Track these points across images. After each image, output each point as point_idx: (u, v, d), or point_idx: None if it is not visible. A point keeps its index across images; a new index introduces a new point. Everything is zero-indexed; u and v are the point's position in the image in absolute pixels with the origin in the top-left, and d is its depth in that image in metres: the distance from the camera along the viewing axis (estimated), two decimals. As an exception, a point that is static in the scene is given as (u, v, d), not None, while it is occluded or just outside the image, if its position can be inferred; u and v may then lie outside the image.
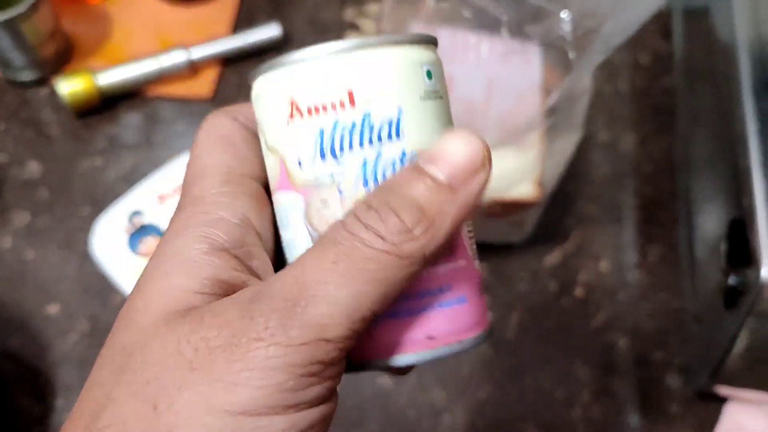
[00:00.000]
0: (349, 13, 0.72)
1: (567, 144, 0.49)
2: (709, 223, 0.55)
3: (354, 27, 0.69)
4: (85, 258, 0.61)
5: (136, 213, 0.57)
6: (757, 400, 0.55)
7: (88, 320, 0.59)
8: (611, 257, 0.63)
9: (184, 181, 0.27)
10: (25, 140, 0.67)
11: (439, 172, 0.22)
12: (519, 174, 0.51)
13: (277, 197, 0.26)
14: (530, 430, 0.56)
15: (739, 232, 0.48)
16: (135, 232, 0.56)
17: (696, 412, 0.57)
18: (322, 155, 0.23)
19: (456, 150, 0.23)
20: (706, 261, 0.55)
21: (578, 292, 0.62)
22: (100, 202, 0.64)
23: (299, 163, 0.24)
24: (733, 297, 0.47)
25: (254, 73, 0.25)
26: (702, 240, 0.57)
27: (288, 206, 0.25)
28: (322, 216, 0.24)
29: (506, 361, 0.59)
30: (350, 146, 0.23)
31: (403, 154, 0.23)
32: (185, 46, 0.69)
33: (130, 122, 0.68)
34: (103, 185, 0.65)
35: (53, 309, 0.59)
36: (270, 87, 0.24)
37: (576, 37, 0.42)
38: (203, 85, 0.70)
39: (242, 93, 0.70)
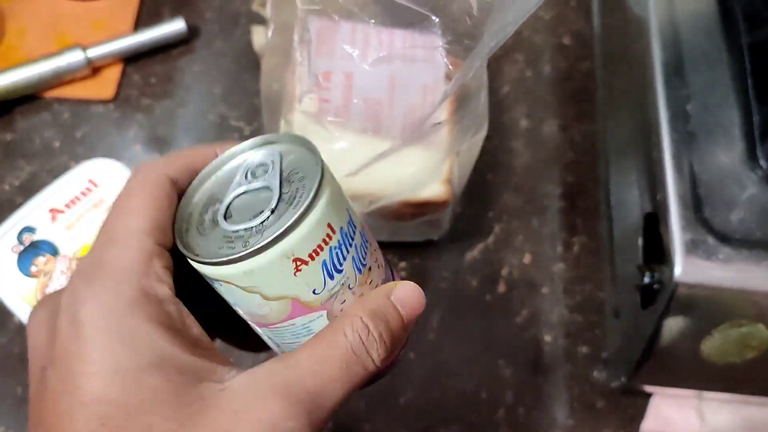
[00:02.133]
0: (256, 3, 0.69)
1: (473, 142, 0.47)
2: (627, 215, 0.54)
3: (261, 19, 0.66)
4: (-21, 277, 0.57)
5: (28, 229, 0.53)
6: (680, 395, 0.54)
7: (-15, 344, 0.55)
8: (534, 250, 0.62)
9: (106, 231, 0.29)
10: None
11: (405, 315, 0.31)
12: (427, 174, 0.48)
13: (288, 323, 0.30)
14: (454, 434, 0.55)
15: (653, 226, 0.46)
16: (25, 251, 0.52)
17: (623, 406, 0.56)
18: (331, 276, 0.29)
19: (417, 301, 0.33)
20: (624, 255, 0.54)
21: (501, 287, 0.60)
22: (-7, 217, 0.60)
23: (314, 292, 0.29)
24: (648, 295, 0.45)
25: (247, 253, 0.27)
26: (620, 232, 0.56)
27: (308, 322, 0.30)
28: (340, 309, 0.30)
29: (427, 363, 0.57)
30: (344, 257, 0.29)
31: (360, 235, 0.31)
32: (83, 44, 0.64)
33: (27, 128, 0.64)
34: (-3, 197, 0.61)
35: (-55, 334, 0.55)
36: (267, 257, 0.27)
37: (473, 22, 0.40)
38: (104, 85, 0.66)
39: (146, 92, 0.66)
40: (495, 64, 0.71)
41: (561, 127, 0.68)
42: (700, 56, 0.50)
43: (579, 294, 0.60)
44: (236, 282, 0.28)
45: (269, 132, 0.50)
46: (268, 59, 0.48)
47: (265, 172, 0.30)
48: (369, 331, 0.29)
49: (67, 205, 0.54)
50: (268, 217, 0.28)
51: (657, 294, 0.45)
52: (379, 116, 0.49)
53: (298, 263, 0.28)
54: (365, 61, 0.49)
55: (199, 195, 0.30)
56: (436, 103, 0.42)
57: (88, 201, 0.54)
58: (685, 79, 0.49)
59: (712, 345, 0.46)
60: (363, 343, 0.29)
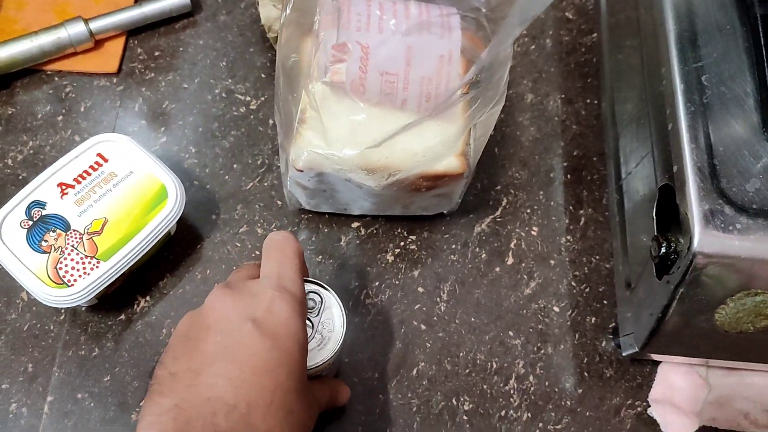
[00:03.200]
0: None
1: (490, 114, 0.47)
2: (639, 187, 0.54)
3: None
4: (-14, 253, 0.57)
5: (36, 204, 0.53)
6: (688, 362, 0.55)
7: (-6, 320, 0.55)
8: (541, 223, 0.62)
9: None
10: None
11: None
12: (443, 147, 0.48)
13: None
14: (466, 404, 0.55)
15: (669, 198, 0.47)
16: (34, 226, 0.52)
17: (631, 375, 0.57)
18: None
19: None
20: (636, 226, 0.55)
21: (509, 260, 0.61)
22: (1, 191, 0.59)
23: None
24: (664, 266, 0.46)
25: None
26: (632, 204, 0.56)
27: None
28: None
29: (439, 335, 0.57)
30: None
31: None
32: (84, 17, 0.63)
33: (28, 102, 0.63)
34: (1, 172, 0.60)
35: (-46, 310, 0.55)
36: None
37: (490, 7, 0.40)
38: (107, 58, 0.65)
39: (150, 66, 0.65)
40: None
41: (566, 101, 0.68)
42: (713, 28, 0.50)
43: (586, 266, 0.61)
44: None
45: (282, 103, 0.50)
46: (286, 31, 0.48)
47: (312, 308, 0.47)
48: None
49: (76, 180, 0.54)
50: None
51: (673, 264, 0.46)
52: (395, 88, 0.49)
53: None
54: (382, 32, 0.49)
55: None
56: (471, 72, 0.42)
57: (97, 175, 0.54)
58: (699, 51, 0.49)
59: (726, 314, 0.47)
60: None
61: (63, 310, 0.55)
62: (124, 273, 0.52)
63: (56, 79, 0.64)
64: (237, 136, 0.63)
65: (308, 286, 0.48)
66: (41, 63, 0.64)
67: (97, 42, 0.64)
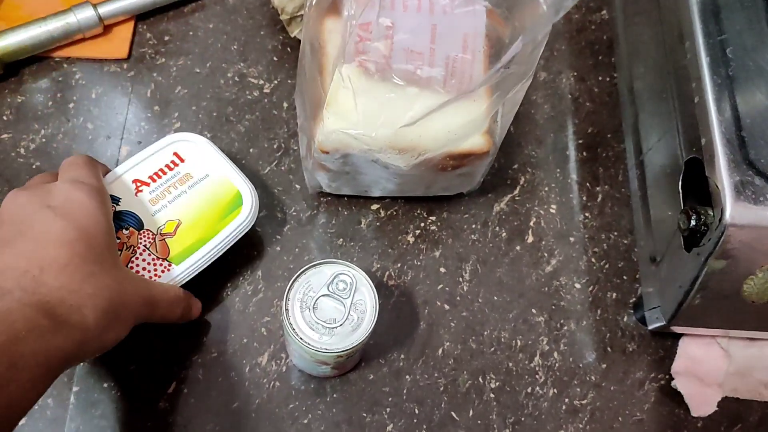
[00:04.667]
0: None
1: (518, 92, 0.47)
2: (662, 161, 0.54)
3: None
4: (3, 244, 0.56)
5: (112, 199, 0.51)
6: (710, 335, 0.56)
7: (14, 311, 0.54)
8: (559, 200, 0.63)
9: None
10: None
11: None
12: (472, 125, 0.48)
13: (305, 358, 0.50)
14: (492, 382, 0.56)
15: (697, 171, 0.47)
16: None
17: (653, 348, 0.58)
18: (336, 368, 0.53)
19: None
20: (660, 201, 0.55)
21: (529, 238, 0.61)
22: (14, 181, 0.58)
23: (333, 367, 0.52)
24: (693, 239, 0.46)
25: (317, 349, 0.47)
26: (654, 179, 0.56)
27: (315, 362, 0.50)
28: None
29: (462, 314, 0.58)
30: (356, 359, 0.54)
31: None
32: (91, 1, 0.62)
33: (38, 89, 0.62)
34: (15, 161, 0.59)
35: (-27, 302, 0.54)
36: (326, 354, 0.47)
37: None
38: (117, 43, 0.64)
39: (160, 51, 0.64)
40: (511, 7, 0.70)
41: (578, 79, 0.68)
42: (734, 0, 0.50)
43: (605, 242, 0.61)
44: (301, 346, 0.46)
45: (307, 85, 0.49)
46: (312, 13, 0.47)
47: (344, 289, 0.47)
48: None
49: (152, 178, 0.52)
50: (337, 326, 0.46)
51: (703, 236, 0.46)
52: (420, 66, 0.49)
53: (338, 359, 0.47)
54: (406, 10, 0.48)
55: (307, 275, 0.47)
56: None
57: (173, 175, 0.53)
58: (722, 24, 0.49)
59: (755, 285, 0.47)
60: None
61: (85, 300, 0.55)
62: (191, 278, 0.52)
63: (65, 65, 0.63)
64: (252, 120, 0.63)
65: (338, 268, 0.47)
66: (49, 50, 0.62)
67: (105, 27, 0.63)
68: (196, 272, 0.51)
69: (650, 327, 0.55)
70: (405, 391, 0.55)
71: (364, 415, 0.54)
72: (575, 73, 0.68)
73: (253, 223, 0.53)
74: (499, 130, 0.50)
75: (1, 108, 0.60)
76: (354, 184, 0.56)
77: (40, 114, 0.61)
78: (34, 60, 0.62)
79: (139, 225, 0.51)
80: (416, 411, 0.54)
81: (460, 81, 0.48)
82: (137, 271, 0.50)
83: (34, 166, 0.59)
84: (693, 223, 0.46)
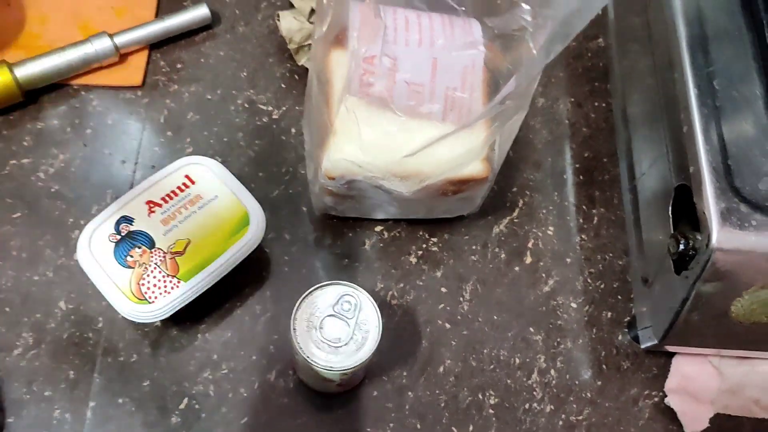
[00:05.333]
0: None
1: (515, 122, 0.50)
2: (654, 186, 0.57)
3: (289, 4, 0.67)
4: (23, 265, 0.58)
5: (125, 219, 0.54)
6: (702, 353, 0.58)
7: (32, 331, 0.56)
8: (557, 222, 0.65)
9: None
10: (-58, 142, 0.62)
11: None
12: (469, 155, 0.51)
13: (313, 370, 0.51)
14: (492, 398, 0.58)
15: (685, 197, 0.49)
16: (122, 241, 0.53)
17: (647, 366, 0.60)
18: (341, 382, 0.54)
19: None
20: (652, 224, 0.57)
21: (528, 258, 0.63)
22: (34, 204, 0.61)
23: (333, 380, 0.52)
24: (682, 262, 0.49)
25: (323, 366, 0.49)
26: (647, 203, 0.59)
27: (324, 373, 0.51)
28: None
29: (462, 332, 0.60)
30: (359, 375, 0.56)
31: None
32: (108, 32, 0.65)
33: (56, 116, 0.64)
34: (34, 185, 0.61)
35: (-6, 321, 0.56)
36: (331, 372, 0.49)
37: (536, 25, 0.42)
38: (132, 71, 0.66)
39: (173, 78, 0.67)
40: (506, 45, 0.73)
41: (575, 105, 0.70)
42: (722, 33, 0.53)
43: (600, 263, 0.63)
44: (309, 364, 0.48)
45: (315, 114, 0.52)
46: (320, 46, 0.50)
47: (348, 309, 0.49)
48: None
49: (164, 199, 0.55)
50: (342, 345, 0.48)
51: (691, 260, 0.48)
52: (420, 98, 0.51)
53: (342, 376, 0.50)
54: (408, 45, 0.51)
55: (313, 296, 0.49)
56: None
57: (184, 196, 0.55)
58: (710, 56, 0.52)
59: (742, 306, 0.49)
60: None
61: (100, 318, 0.57)
62: (199, 295, 0.54)
63: (82, 93, 0.66)
64: (261, 145, 0.65)
65: (342, 289, 0.50)
66: (67, 78, 0.65)
67: (121, 56, 0.66)
68: (204, 289, 0.54)
69: (643, 346, 0.57)
70: (407, 407, 0.57)
71: (369, 430, 0.56)
72: (572, 99, 0.71)
73: (259, 242, 0.55)
74: (497, 157, 0.53)
75: (21, 134, 0.63)
76: (359, 207, 0.58)
77: (59, 139, 0.63)
78: (53, 87, 0.65)
79: (151, 244, 0.54)
80: (418, 426, 0.56)
81: (459, 114, 0.50)
82: (148, 288, 0.52)
83: (52, 190, 0.61)
84: (682, 247, 0.48)
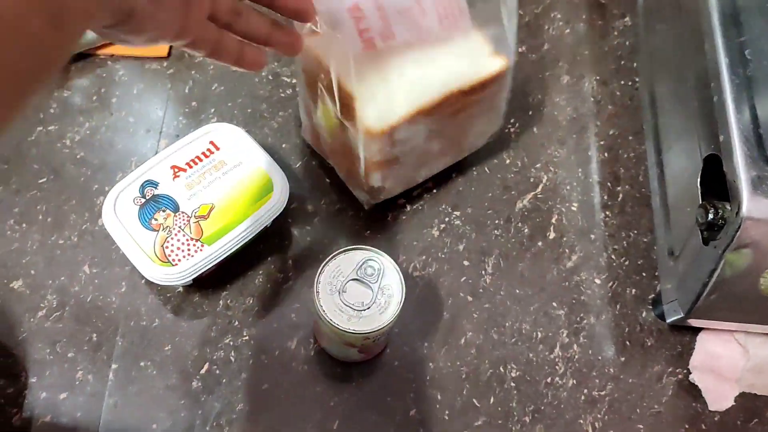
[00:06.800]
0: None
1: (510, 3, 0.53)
2: (681, 159, 0.56)
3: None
4: (48, 229, 0.59)
5: (150, 183, 0.54)
6: (728, 329, 0.57)
7: (56, 293, 0.57)
8: (581, 199, 0.64)
9: None
10: (-30, 109, 0.63)
11: None
12: (475, 55, 0.53)
13: (336, 339, 0.53)
14: (513, 371, 0.57)
15: (715, 167, 0.49)
16: (146, 204, 0.53)
17: (671, 343, 0.59)
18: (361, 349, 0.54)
19: None
20: (679, 197, 0.56)
21: (551, 234, 0.63)
22: (59, 170, 0.61)
23: (353, 345, 0.52)
24: (711, 232, 0.48)
25: (344, 330, 0.48)
26: (674, 177, 0.58)
27: (344, 346, 0.53)
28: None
29: (485, 305, 0.59)
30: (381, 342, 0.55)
31: None
32: (135, 2, 0.65)
33: (82, 85, 0.65)
34: (60, 152, 0.62)
35: (17, 284, 0.57)
36: (353, 336, 0.49)
37: None
38: (157, 42, 0.67)
39: (198, 49, 0.67)
40: (534, 22, 0.72)
41: (600, 83, 0.70)
42: (753, 4, 0.52)
43: (625, 239, 0.63)
44: (330, 327, 0.48)
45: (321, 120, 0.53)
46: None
47: (371, 274, 0.49)
48: None
49: (188, 164, 0.55)
50: (365, 309, 0.48)
51: (720, 230, 0.48)
52: (416, 20, 0.51)
53: (365, 341, 0.50)
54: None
55: (337, 261, 0.49)
56: None
57: (208, 162, 0.56)
58: (741, 27, 0.51)
59: (770, 278, 0.49)
60: None
61: (123, 283, 0.57)
62: (222, 260, 0.54)
63: (109, 63, 0.66)
64: (285, 117, 0.65)
65: (366, 254, 0.50)
66: (94, 48, 0.66)
67: (147, 27, 0.66)
68: (228, 253, 0.54)
69: (668, 320, 0.56)
70: (428, 378, 0.57)
71: (389, 399, 0.56)
72: (598, 77, 0.70)
73: (283, 208, 0.55)
74: (508, 45, 0.54)
75: (48, 101, 0.64)
76: (404, 173, 0.58)
77: (85, 108, 0.64)
78: (80, 57, 0.66)
79: (175, 208, 0.54)
80: (439, 397, 0.56)
81: (453, 19, 0.51)
82: (172, 251, 0.52)
83: (78, 157, 0.62)
84: (711, 216, 0.48)
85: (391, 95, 0.51)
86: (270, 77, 0.67)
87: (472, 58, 0.53)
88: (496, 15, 0.54)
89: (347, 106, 0.51)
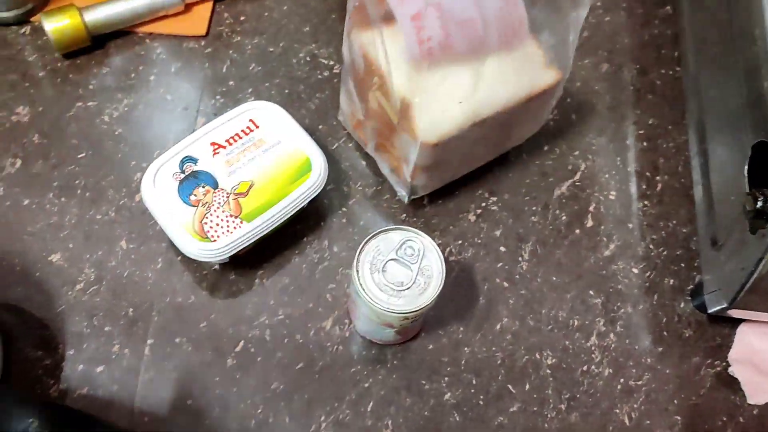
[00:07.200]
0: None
1: (575, 17, 0.51)
2: (727, 148, 0.55)
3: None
4: (86, 204, 0.59)
5: (189, 159, 0.54)
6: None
7: (93, 267, 0.57)
8: (619, 188, 0.64)
9: None
10: (9, 83, 0.63)
11: None
12: (531, 67, 0.52)
13: (375, 326, 0.53)
14: (549, 358, 0.57)
15: (763, 154, 0.48)
16: (185, 180, 0.53)
17: (710, 335, 0.58)
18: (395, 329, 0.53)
19: None
20: (724, 186, 0.56)
21: (589, 222, 0.62)
22: (98, 146, 0.61)
23: (392, 326, 0.52)
24: (759, 220, 0.47)
25: (384, 309, 0.48)
26: (718, 165, 0.57)
27: (382, 328, 0.53)
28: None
29: (521, 292, 0.59)
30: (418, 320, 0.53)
31: None
32: (175, -20, 0.65)
33: (121, 62, 0.65)
34: (99, 128, 0.62)
35: (56, 258, 0.57)
36: (392, 315, 0.49)
37: None
38: (196, 21, 0.67)
39: (236, 30, 0.67)
40: (573, 9, 0.72)
41: (640, 71, 0.69)
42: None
43: (663, 229, 0.62)
44: (369, 306, 0.48)
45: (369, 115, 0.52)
46: (352, 38, 0.51)
47: (411, 254, 0.49)
48: None
49: (228, 141, 0.55)
50: (405, 288, 0.48)
51: (769, 217, 0.47)
52: (476, 32, 0.50)
53: (404, 321, 0.49)
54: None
55: (377, 240, 0.49)
56: None
57: (248, 140, 0.55)
58: (794, 12, 0.50)
59: (819, 267, 0.48)
60: None
61: (160, 259, 0.57)
62: (260, 237, 0.54)
63: (147, 41, 0.66)
64: (322, 98, 0.65)
65: (406, 234, 0.49)
66: (133, 25, 0.66)
67: (186, 6, 0.66)
68: (266, 231, 0.53)
69: (710, 310, 0.56)
70: (463, 362, 0.56)
71: (423, 382, 0.55)
72: (638, 66, 0.69)
73: (321, 188, 0.55)
74: (566, 59, 0.53)
75: (87, 78, 0.64)
76: (447, 172, 0.58)
77: (123, 85, 0.64)
78: (119, 34, 0.66)
79: (215, 184, 0.54)
80: (473, 381, 0.56)
81: (511, 31, 0.50)
82: (211, 227, 0.52)
83: (116, 133, 0.62)
84: (759, 204, 0.47)
85: (448, 106, 0.50)
86: (308, 59, 0.66)
87: (528, 71, 0.53)
88: (561, 29, 0.53)
89: (403, 113, 0.51)
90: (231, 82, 0.65)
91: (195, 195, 0.53)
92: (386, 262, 0.48)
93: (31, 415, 0.37)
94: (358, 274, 0.48)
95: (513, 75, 0.52)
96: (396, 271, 0.48)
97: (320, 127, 0.64)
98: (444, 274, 0.48)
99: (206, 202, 0.53)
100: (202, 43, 0.66)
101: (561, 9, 0.51)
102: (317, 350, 0.55)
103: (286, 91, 0.65)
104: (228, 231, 0.52)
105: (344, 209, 0.61)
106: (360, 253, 0.49)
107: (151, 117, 0.63)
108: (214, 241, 0.52)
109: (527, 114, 0.56)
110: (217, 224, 0.52)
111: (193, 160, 0.54)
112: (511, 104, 0.52)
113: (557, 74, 0.54)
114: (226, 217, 0.53)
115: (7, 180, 0.59)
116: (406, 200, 0.59)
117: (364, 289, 0.48)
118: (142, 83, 0.64)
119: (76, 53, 0.64)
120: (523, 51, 0.53)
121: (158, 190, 0.53)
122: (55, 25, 0.61)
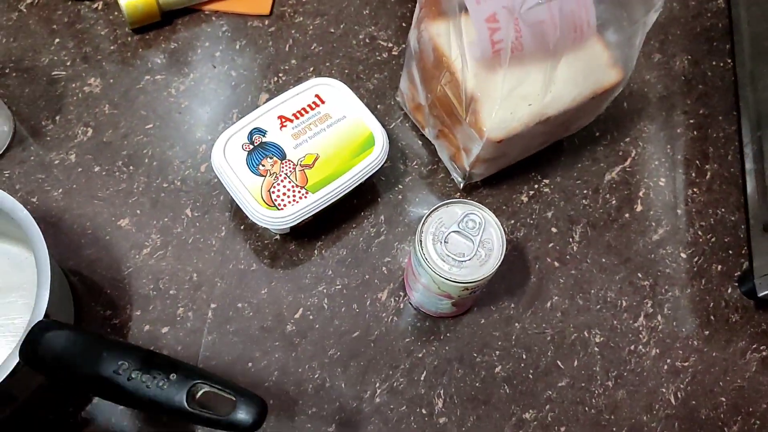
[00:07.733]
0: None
1: (645, 20, 0.52)
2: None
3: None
4: (153, 172, 0.61)
5: (258, 131, 0.57)
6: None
7: (160, 233, 0.59)
8: (669, 174, 0.65)
9: None
10: (82, 55, 0.66)
11: None
12: (596, 66, 0.52)
13: (434, 296, 0.55)
14: (597, 337, 0.58)
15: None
16: (254, 150, 0.56)
17: (756, 321, 0.60)
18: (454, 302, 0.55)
19: None
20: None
21: (638, 207, 0.63)
22: (165, 117, 0.63)
23: (449, 297, 0.54)
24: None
25: (447, 279, 0.50)
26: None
27: (442, 300, 0.55)
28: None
29: (571, 272, 0.60)
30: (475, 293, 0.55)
31: None
32: (241, -39, 0.68)
33: (188, 38, 0.67)
34: (166, 100, 0.64)
35: (124, 222, 0.59)
36: (454, 285, 0.51)
37: None
38: (260, 1, 0.69)
39: (299, 10, 0.69)
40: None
41: (692, 62, 0.70)
42: None
43: (712, 217, 0.63)
44: (431, 276, 0.50)
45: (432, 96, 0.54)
46: (423, 32, 0.52)
47: (473, 227, 0.50)
48: None
49: (295, 115, 0.58)
50: (466, 260, 0.49)
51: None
52: (547, 33, 0.52)
53: (463, 291, 0.51)
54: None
55: (440, 212, 0.51)
56: None
57: (314, 114, 0.58)
58: None
59: None
60: None
61: (223, 227, 0.60)
62: (323, 208, 0.56)
63: (213, 18, 0.68)
64: (380, 79, 0.67)
65: (468, 208, 0.51)
66: (201, 3, 0.68)
67: (251, -14, 0.69)
68: (329, 202, 0.56)
69: (760, 294, 0.57)
70: (514, 338, 0.58)
71: (475, 355, 0.57)
72: (689, 57, 0.70)
73: (383, 162, 0.57)
74: (630, 58, 0.54)
75: (156, 52, 0.66)
76: (504, 161, 0.60)
77: (190, 60, 0.66)
78: (186, 12, 0.68)
79: (282, 155, 0.56)
80: (524, 356, 0.57)
81: (581, 30, 0.51)
82: (278, 196, 0.54)
83: (182, 106, 0.64)
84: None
85: (517, 107, 0.52)
86: (367, 40, 0.68)
87: (594, 70, 0.54)
88: (627, 28, 0.54)
89: (471, 108, 0.53)
90: (293, 61, 0.67)
91: (263, 165, 0.55)
92: (448, 233, 0.50)
93: (121, 357, 0.39)
94: (421, 244, 0.50)
95: (580, 76, 0.53)
96: (458, 243, 0.50)
97: (378, 106, 0.66)
98: (504, 247, 0.50)
99: (274, 172, 0.55)
100: (266, 22, 0.69)
101: (626, 6, 0.52)
102: (373, 320, 0.57)
103: (346, 71, 0.67)
104: (294, 200, 0.54)
105: (400, 186, 0.62)
106: (423, 224, 0.50)
107: (216, 92, 0.65)
108: (281, 209, 0.54)
109: (587, 110, 0.58)
110: (284, 194, 0.55)
111: (262, 132, 0.56)
112: (576, 104, 0.54)
113: (621, 73, 0.55)
114: (293, 187, 0.55)
115: (79, 147, 0.62)
116: (461, 185, 0.61)
117: (426, 259, 0.49)
118: (208, 59, 0.66)
119: (145, 29, 0.67)
120: (590, 50, 0.54)
121: (228, 158, 0.55)
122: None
